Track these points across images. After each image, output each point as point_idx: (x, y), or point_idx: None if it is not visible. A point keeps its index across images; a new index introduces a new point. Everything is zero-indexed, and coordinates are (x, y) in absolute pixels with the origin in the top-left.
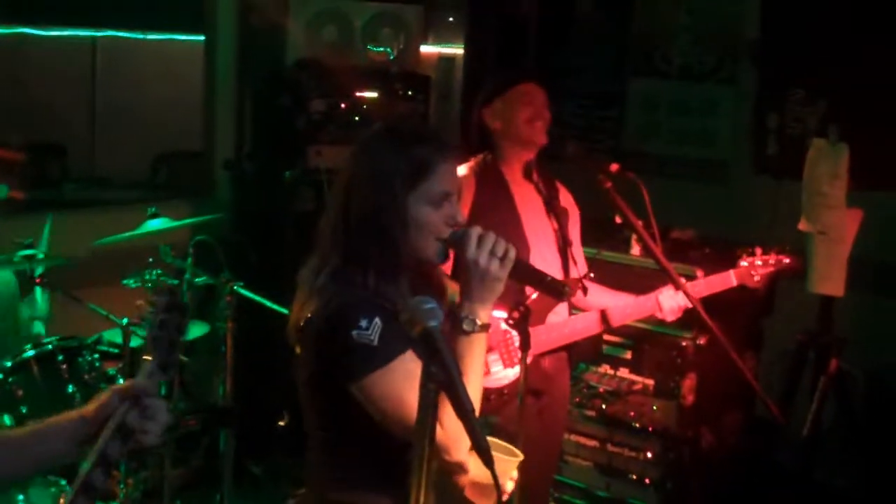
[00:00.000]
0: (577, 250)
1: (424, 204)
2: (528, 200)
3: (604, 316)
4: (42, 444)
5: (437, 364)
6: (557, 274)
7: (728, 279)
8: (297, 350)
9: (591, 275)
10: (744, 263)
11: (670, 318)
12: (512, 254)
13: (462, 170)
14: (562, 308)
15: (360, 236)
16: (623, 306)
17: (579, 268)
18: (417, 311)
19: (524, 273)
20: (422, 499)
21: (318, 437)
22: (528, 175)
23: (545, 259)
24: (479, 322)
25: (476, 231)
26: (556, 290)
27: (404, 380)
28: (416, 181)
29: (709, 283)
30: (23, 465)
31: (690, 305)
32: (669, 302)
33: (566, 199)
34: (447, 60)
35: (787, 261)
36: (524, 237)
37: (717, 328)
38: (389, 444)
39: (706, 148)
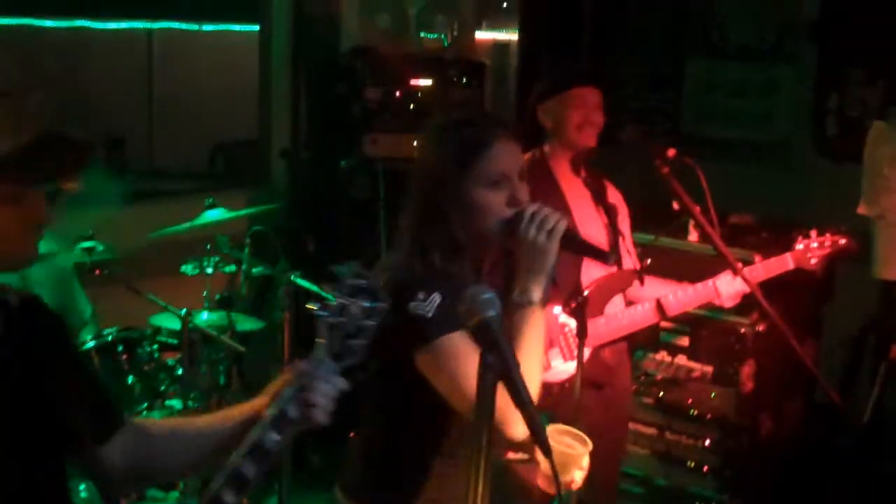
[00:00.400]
0: (629, 245)
1: (481, 186)
2: (577, 195)
3: (660, 305)
4: (223, 432)
5: (494, 354)
6: (608, 267)
7: (785, 262)
8: None
9: (648, 261)
10: (799, 246)
11: (729, 304)
12: (561, 226)
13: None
14: (618, 299)
15: (422, 221)
16: (681, 295)
17: (632, 261)
18: (475, 301)
19: (573, 243)
20: (480, 488)
21: (370, 438)
22: (576, 171)
23: None
24: (532, 296)
25: (529, 208)
26: (602, 256)
27: (465, 354)
28: (469, 163)
29: (766, 267)
30: (204, 454)
31: (749, 291)
32: (728, 288)
33: (614, 195)
34: (502, 46)
35: (842, 242)
36: (575, 229)
37: (776, 314)
38: (441, 454)
39: (765, 130)
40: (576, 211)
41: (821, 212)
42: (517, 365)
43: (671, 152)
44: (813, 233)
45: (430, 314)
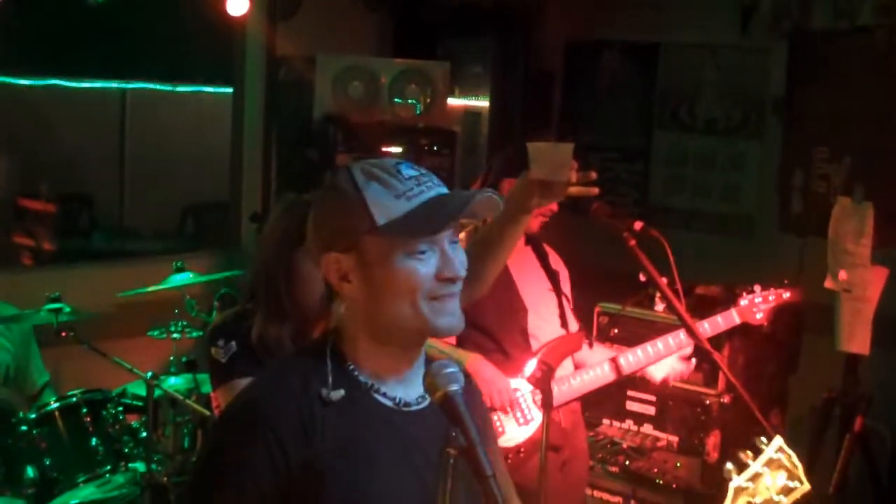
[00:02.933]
0: (571, 309)
1: (309, 260)
2: (520, 262)
3: (616, 365)
4: None
5: (457, 428)
6: (557, 331)
7: (731, 317)
8: None
9: (615, 331)
10: (744, 301)
11: (684, 367)
12: None
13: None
14: (567, 362)
15: (258, 282)
16: (639, 354)
17: (577, 326)
18: (439, 375)
19: None
20: None
21: None
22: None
23: (542, 318)
24: None
25: None
26: None
27: None
28: (300, 238)
29: (713, 325)
30: None
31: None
32: (677, 342)
33: (555, 260)
34: (473, 114)
35: (787, 295)
36: (519, 298)
37: (741, 385)
38: None
39: (732, 203)
40: (520, 280)
41: (786, 285)
42: (479, 439)
43: (638, 225)
44: (757, 287)
45: (222, 360)
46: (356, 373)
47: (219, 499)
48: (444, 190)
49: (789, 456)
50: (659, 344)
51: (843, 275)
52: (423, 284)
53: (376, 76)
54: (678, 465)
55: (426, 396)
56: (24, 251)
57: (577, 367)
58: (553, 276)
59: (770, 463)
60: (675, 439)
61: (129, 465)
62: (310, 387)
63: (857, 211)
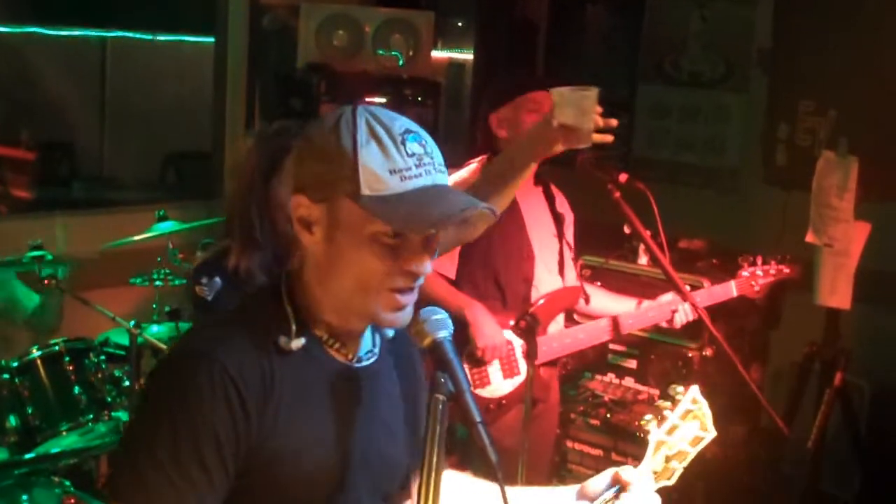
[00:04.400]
0: (572, 255)
1: (284, 188)
2: (531, 205)
3: (617, 324)
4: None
5: (446, 375)
6: (556, 281)
7: (729, 290)
8: None
9: (598, 283)
10: (745, 273)
11: (678, 325)
12: None
13: (464, 173)
14: (560, 317)
15: (230, 212)
16: (636, 314)
17: (575, 273)
18: (427, 321)
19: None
20: None
21: None
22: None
23: (546, 266)
24: None
25: None
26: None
27: None
28: (273, 168)
29: (711, 294)
30: None
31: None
32: (681, 317)
33: (561, 202)
34: (457, 66)
35: (787, 271)
36: (529, 244)
37: (723, 339)
38: None
39: (716, 156)
40: (529, 224)
41: (769, 239)
42: (469, 386)
43: (623, 177)
44: (758, 260)
45: (209, 297)
46: (309, 323)
47: (167, 443)
48: (443, 179)
49: (701, 405)
50: (652, 312)
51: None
52: (383, 271)
53: (360, 25)
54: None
55: (375, 351)
56: (3, 199)
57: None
58: (558, 221)
59: (686, 414)
60: (656, 392)
61: (112, 413)
62: (268, 335)
63: (841, 165)
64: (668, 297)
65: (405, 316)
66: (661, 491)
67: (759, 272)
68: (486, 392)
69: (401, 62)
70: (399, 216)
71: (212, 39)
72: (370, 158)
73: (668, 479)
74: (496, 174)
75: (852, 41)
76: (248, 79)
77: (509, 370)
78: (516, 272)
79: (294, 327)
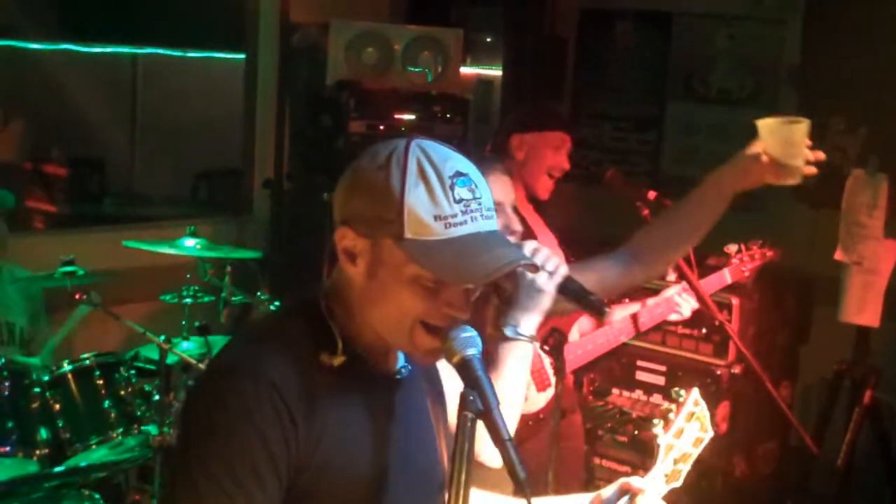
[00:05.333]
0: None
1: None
2: (533, 219)
3: (634, 321)
4: None
5: (475, 393)
6: None
7: (723, 278)
8: None
9: (626, 300)
10: (734, 261)
11: (686, 314)
12: (562, 270)
13: None
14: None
15: None
16: (648, 310)
17: None
18: (456, 340)
19: (570, 289)
20: None
21: None
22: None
23: None
24: (523, 331)
25: (530, 244)
26: (597, 310)
27: None
28: None
29: (707, 284)
30: None
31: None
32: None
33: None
34: (486, 83)
35: (770, 254)
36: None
37: (752, 356)
38: None
39: None
40: (532, 225)
41: (798, 256)
42: (497, 403)
43: (651, 194)
44: (742, 246)
45: None
46: (349, 341)
47: (221, 457)
48: (489, 225)
49: (701, 407)
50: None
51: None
52: (422, 310)
53: (390, 43)
54: None
55: (408, 365)
56: (37, 215)
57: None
58: (557, 235)
59: (689, 416)
60: None
61: (142, 427)
62: (308, 350)
63: (871, 183)
64: (671, 290)
65: (439, 355)
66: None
67: (746, 258)
68: (524, 407)
69: (430, 78)
70: (439, 265)
71: (242, 56)
72: (416, 202)
73: (676, 480)
74: (675, 217)
75: (883, 58)
76: (277, 96)
77: (541, 383)
78: None
79: (340, 344)
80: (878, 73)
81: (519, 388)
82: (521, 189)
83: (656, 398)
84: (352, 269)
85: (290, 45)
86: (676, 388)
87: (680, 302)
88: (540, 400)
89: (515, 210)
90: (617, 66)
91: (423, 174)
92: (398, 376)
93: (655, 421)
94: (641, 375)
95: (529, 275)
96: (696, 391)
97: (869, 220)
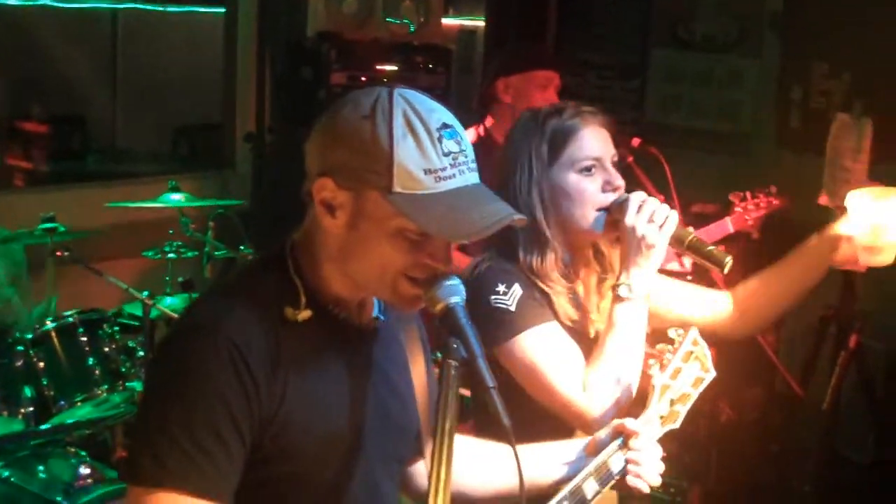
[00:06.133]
0: None
1: (570, 172)
2: None
3: None
4: (531, 462)
5: (459, 340)
6: None
7: (725, 226)
8: None
9: None
10: (738, 209)
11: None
12: (673, 221)
13: None
14: None
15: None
16: None
17: None
18: (439, 288)
19: (684, 241)
20: (443, 474)
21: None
22: None
23: None
24: (636, 290)
25: (637, 197)
26: (718, 261)
27: (543, 349)
28: (554, 152)
29: (708, 233)
30: (501, 490)
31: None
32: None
33: None
34: (468, 33)
35: (776, 202)
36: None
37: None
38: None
39: (729, 121)
40: None
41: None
42: (482, 351)
43: (636, 142)
44: (748, 195)
45: (511, 308)
46: (316, 293)
47: (180, 418)
48: (475, 178)
49: (701, 346)
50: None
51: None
52: (404, 262)
53: None
54: None
55: (379, 316)
56: (17, 173)
57: None
58: None
59: (687, 356)
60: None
61: (127, 384)
62: (273, 305)
63: (855, 127)
64: None
65: (420, 303)
66: (675, 454)
67: (751, 206)
68: None
69: (412, 29)
70: (431, 220)
71: (222, 10)
72: (406, 155)
73: (674, 422)
74: (777, 277)
75: (865, 2)
76: (257, 49)
77: None
78: None
79: (304, 299)
80: (861, 17)
81: (635, 348)
82: None
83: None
84: (329, 220)
85: None
86: (674, 328)
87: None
88: None
89: (615, 164)
90: (600, 14)
91: (410, 126)
92: (372, 327)
93: (651, 361)
94: None
95: (639, 230)
96: (695, 330)
97: (853, 164)
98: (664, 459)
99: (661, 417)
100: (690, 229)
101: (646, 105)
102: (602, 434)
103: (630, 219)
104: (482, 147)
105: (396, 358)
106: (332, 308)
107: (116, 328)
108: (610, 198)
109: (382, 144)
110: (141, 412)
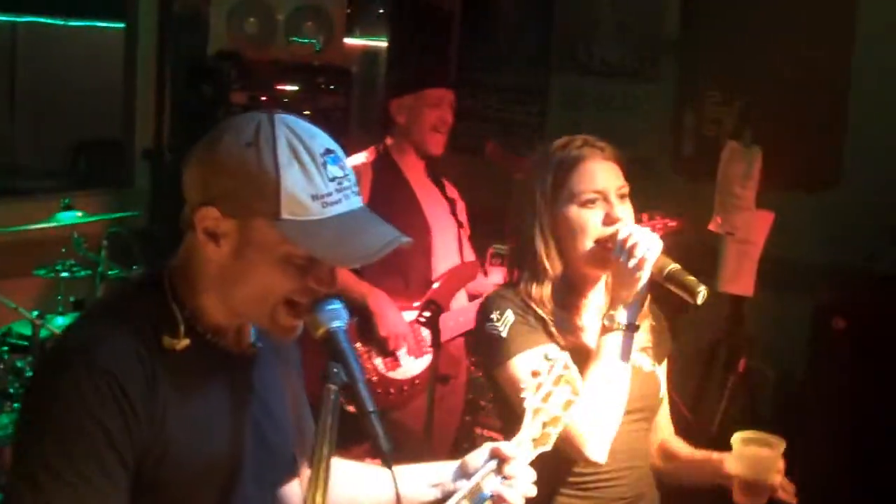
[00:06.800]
0: (466, 236)
1: (572, 204)
2: (424, 188)
3: None
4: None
5: (339, 365)
6: (455, 258)
7: None
8: None
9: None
10: None
11: None
12: (655, 251)
13: (359, 158)
14: (461, 294)
15: (513, 246)
16: None
17: (472, 253)
18: (321, 312)
19: (664, 271)
20: (319, 499)
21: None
22: (418, 166)
23: (444, 242)
24: (618, 320)
25: (623, 230)
26: (692, 291)
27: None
28: (558, 184)
29: None
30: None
31: None
32: None
33: (451, 190)
34: (371, 54)
35: (672, 224)
36: (427, 224)
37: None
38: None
39: (628, 146)
40: (425, 205)
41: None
42: (363, 375)
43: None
44: (644, 216)
45: (503, 334)
46: (194, 322)
47: (60, 450)
48: (358, 202)
49: (571, 370)
50: None
51: (718, 221)
52: (289, 288)
53: (272, 12)
54: None
55: (255, 343)
56: None
57: (472, 297)
58: (451, 203)
59: (558, 379)
60: None
61: (14, 405)
62: (150, 333)
63: (745, 154)
64: None
65: (297, 331)
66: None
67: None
68: (398, 374)
69: (318, 48)
70: (320, 246)
71: (122, 25)
72: (293, 182)
73: (545, 444)
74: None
75: (757, 32)
76: (158, 65)
77: (417, 350)
78: (415, 245)
79: (182, 328)
80: (754, 46)
81: (616, 377)
82: (411, 152)
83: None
84: (213, 249)
85: (170, 13)
86: (546, 353)
87: None
88: (416, 366)
89: (619, 197)
90: (502, 37)
91: (294, 152)
92: (249, 353)
93: (523, 385)
94: None
95: (622, 263)
96: (565, 355)
97: (743, 190)
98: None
99: (534, 440)
100: (669, 261)
101: (546, 129)
102: (474, 457)
103: (616, 251)
104: (380, 166)
105: (273, 383)
106: (211, 336)
107: (5, 348)
108: (608, 231)
109: (268, 172)
110: (20, 447)
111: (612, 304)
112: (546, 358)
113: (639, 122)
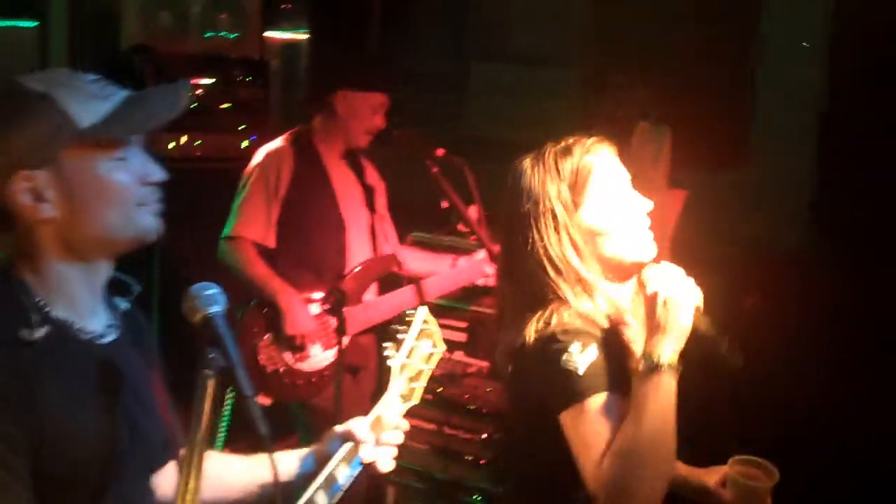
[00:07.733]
0: (387, 223)
1: (600, 208)
2: (342, 177)
3: (419, 289)
4: (257, 471)
5: (216, 350)
6: (368, 250)
7: None
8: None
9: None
10: None
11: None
12: (695, 299)
13: (277, 143)
14: (373, 286)
15: (544, 271)
16: (438, 278)
17: (390, 241)
18: (199, 298)
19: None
20: (192, 484)
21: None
22: (341, 152)
23: (358, 235)
24: (661, 358)
25: (651, 281)
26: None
27: (605, 420)
28: (578, 193)
29: None
30: (233, 490)
31: None
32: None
33: (372, 175)
34: (292, 47)
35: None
36: (340, 216)
37: None
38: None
39: (543, 132)
40: (340, 195)
41: None
42: (241, 359)
43: (440, 152)
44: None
45: (580, 371)
46: (48, 308)
47: None
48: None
49: (431, 324)
50: (465, 274)
51: None
52: (132, 191)
53: (185, 5)
54: (489, 390)
55: (113, 327)
56: None
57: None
58: (369, 192)
59: (420, 334)
60: (485, 365)
61: None
62: (6, 329)
63: (655, 135)
64: (482, 254)
65: (158, 225)
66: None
67: None
68: (306, 365)
69: (232, 36)
70: (127, 126)
71: (34, 24)
72: (68, 97)
73: (413, 399)
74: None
75: (665, 15)
76: (70, 62)
77: (327, 342)
78: (330, 242)
79: (35, 317)
80: (661, 27)
81: (668, 423)
82: (340, 142)
83: (458, 355)
84: (42, 209)
85: (82, 10)
86: (407, 310)
87: (488, 270)
88: (325, 358)
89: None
90: (421, 26)
91: (49, 81)
92: (107, 338)
93: (385, 344)
94: (443, 333)
95: (675, 301)
96: (424, 309)
97: (654, 172)
98: (482, 465)
99: (402, 396)
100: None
101: (465, 118)
102: (330, 439)
103: (653, 284)
104: (299, 150)
105: (136, 369)
106: (65, 320)
107: None
108: (641, 220)
109: (41, 103)
110: None
111: (651, 341)
112: (407, 313)
113: (553, 107)
